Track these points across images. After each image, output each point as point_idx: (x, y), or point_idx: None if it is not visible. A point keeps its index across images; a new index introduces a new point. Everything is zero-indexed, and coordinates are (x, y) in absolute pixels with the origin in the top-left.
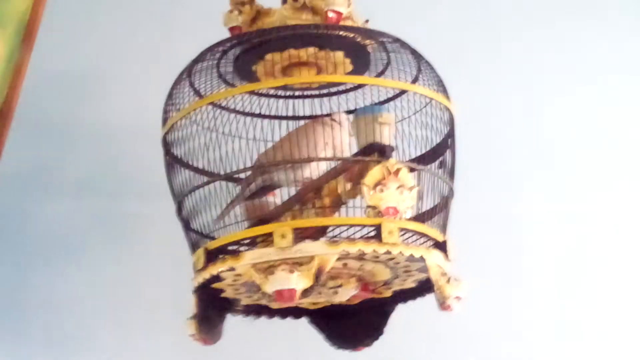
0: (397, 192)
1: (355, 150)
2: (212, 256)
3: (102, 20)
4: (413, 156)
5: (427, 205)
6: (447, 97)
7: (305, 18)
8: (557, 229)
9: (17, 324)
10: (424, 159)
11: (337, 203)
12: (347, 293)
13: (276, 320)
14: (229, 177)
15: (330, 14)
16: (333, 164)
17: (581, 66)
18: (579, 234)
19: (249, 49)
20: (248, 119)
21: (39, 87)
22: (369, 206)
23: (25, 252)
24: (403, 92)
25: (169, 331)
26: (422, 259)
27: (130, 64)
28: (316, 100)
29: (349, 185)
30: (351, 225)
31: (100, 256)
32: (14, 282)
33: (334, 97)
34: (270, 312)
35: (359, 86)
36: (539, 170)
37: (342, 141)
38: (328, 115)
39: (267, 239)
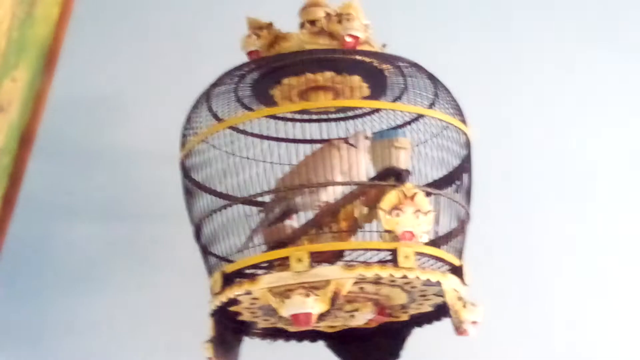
0: (414, 217)
1: (372, 173)
2: (229, 280)
3: (122, 44)
4: (430, 179)
5: (443, 229)
6: (464, 121)
7: (323, 43)
8: (576, 252)
9: (38, 348)
10: (440, 183)
11: (354, 227)
12: (363, 317)
13: (293, 343)
14: (247, 201)
15: (348, 39)
16: (350, 188)
17: (602, 88)
18: (598, 256)
19: (266, 73)
20: (266, 142)
21: (61, 111)
22: (385, 230)
23: (46, 276)
24: (420, 116)
25: (189, 354)
26: (438, 283)
27: (151, 88)
28: (333, 124)
29: (365, 210)
30: (367, 250)
31: (121, 280)
32: (36, 306)
33: (351, 121)
34: (286, 336)
35: (376, 110)
36: (557, 193)
37: (359, 164)
38: (344, 139)
39: (283, 263)
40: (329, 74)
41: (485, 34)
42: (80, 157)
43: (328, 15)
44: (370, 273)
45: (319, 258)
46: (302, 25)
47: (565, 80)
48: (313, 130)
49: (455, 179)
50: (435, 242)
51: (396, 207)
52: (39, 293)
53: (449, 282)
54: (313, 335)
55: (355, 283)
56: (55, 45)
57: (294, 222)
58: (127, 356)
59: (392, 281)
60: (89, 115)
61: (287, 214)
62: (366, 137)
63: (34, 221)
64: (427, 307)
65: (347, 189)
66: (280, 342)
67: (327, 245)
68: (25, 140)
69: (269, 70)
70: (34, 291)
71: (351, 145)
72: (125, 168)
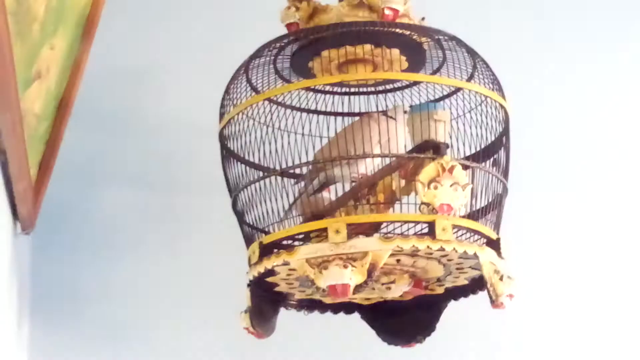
0: (451, 190)
1: (410, 146)
2: (267, 250)
3: (161, 15)
4: (467, 154)
5: (480, 202)
6: (502, 95)
7: (362, 15)
8: (611, 228)
9: (72, 313)
10: (478, 157)
11: (391, 199)
12: (399, 289)
13: (328, 315)
14: (285, 172)
15: (387, 12)
16: (387, 161)
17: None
18: (634, 231)
19: (305, 46)
20: (304, 114)
21: (98, 80)
22: (422, 203)
23: (81, 242)
24: (458, 89)
25: (223, 324)
26: (475, 256)
27: (188, 58)
28: (371, 96)
29: (403, 182)
30: (405, 222)
31: (156, 247)
32: (70, 271)
33: (390, 94)
34: (323, 307)
35: (415, 83)
36: (593, 168)
37: (398, 136)
38: (383, 111)
39: (321, 234)
40: (367, 47)
41: (521, 12)
42: (116, 125)
43: None
44: (407, 245)
45: (356, 230)
46: None
47: (602, 55)
48: (351, 103)
49: (492, 153)
50: (472, 215)
51: (434, 180)
52: (74, 258)
53: (486, 255)
54: (349, 307)
55: (392, 255)
56: (94, 14)
57: (332, 194)
58: (160, 321)
59: (429, 254)
60: (125, 84)
61: (325, 185)
62: (405, 110)
63: (69, 187)
64: (462, 280)
65: (385, 162)
66: (316, 314)
67: (365, 217)
68: (62, 107)
69: (308, 43)
70: (69, 256)
71: (390, 117)
72: (160, 137)
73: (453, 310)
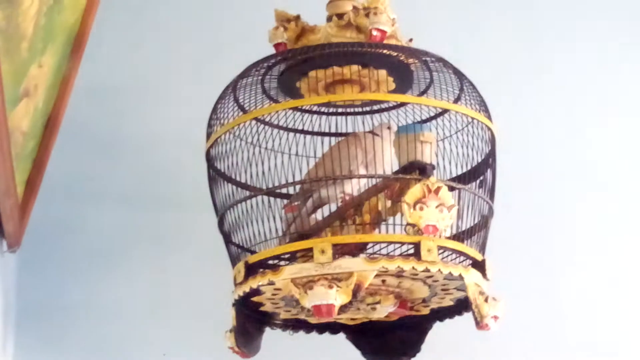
0: (437, 211)
1: (396, 167)
2: (252, 270)
3: (148, 33)
4: (454, 174)
5: (466, 224)
6: (489, 116)
7: (350, 36)
8: (598, 249)
9: (58, 331)
10: (464, 178)
11: (377, 220)
12: (385, 310)
13: (314, 335)
14: (271, 192)
15: (375, 32)
16: (374, 181)
17: (627, 86)
18: (621, 254)
19: (293, 66)
20: (291, 134)
21: (86, 97)
22: (408, 224)
23: (67, 260)
24: (445, 111)
25: (208, 343)
26: (460, 277)
27: (175, 77)
28: (359, 117)
29: (389, 203)
30: (390, 243)
31: (142, 266)
32: (57, 289)
33: (377, 115)
34: (308, 327)
35: (402, 104)
36: (580, 190)
37: (383, 155)
38: (370, 131)
39: (306, 254)
40: (355, 68)
41: (510, 33)
42: (104, 143)
43: (355, 8)
44: (392, 266)
45: (342, 250)
46: (329, 19)
47: (590, 74)
48: (338, 123)
49: (479, 174)
50: (458, 237)
51: (420, 201)
52: (60, 276)
53: (471, 277)
54: (334, 327)
55: (377, 276)
56: (82, 32)
57: (318, 214)
58: (146, 340)
59: (414, 274)
60: (113, 102)
61: (311, 205)
62: (389, 128)
63: (56, 205)
64: (448, 302)
65: (371, 182)
66: (301, 334)
67: (351, 237)
68: (50, 125)
69: (296, 63)
70: (55, 274)
71: (375, 134)
72: (147, 155)
73: (438, 331)
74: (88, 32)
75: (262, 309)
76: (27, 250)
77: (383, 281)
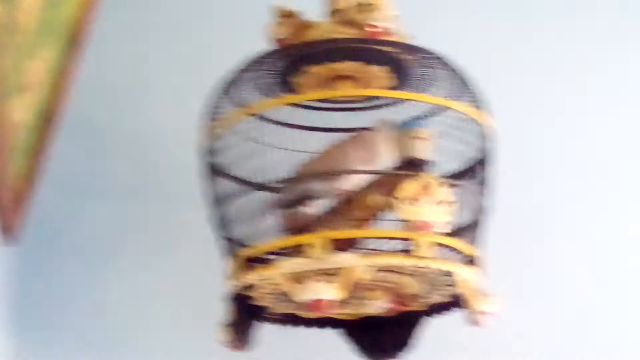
0: (432, 207)
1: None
2: (246, 265)
3: (147, 29)
4: (450, 171)
5: (461, 220)
6: (487, 114)
7: (349, 32)
8: (596, 248)
9: (57, 326)
10: (460, 175)
11: (372, 215)
12: (378, 305)
13: (308, 331)
14: (265, 187)
15: (367, 28)
16: (369, 177)
17: (627, 86)
18: (618, 254)
19: (291, 61)
20: (287, 129)
21: (85, 92)
22: (403, 220)
23: (66, 256)
24: (443, 107)
25: (202, 337)
26: (454, 273)
27: (175, 72)
28: (356, 113)
29: (384, 199)
30: (384, 238)
31: (138, 260)
32: (55, 285)
33: (373, 111)
34: (301, 322)
35: (399, 101)
36: (579, 188)
37: (381, 152)
38: (368, 128)
39: (300, 249)
40: (353, 64)
41: (509, 32)
42: (103, 138)
43: (355, 4)
44: (385, 261)
45: (336, 245)
46: (328, 14)
47: (590, 72)
48: (336, 120)
49: (475, 170)
50: (452, 233)
51: (415, 197)
52: (58, 272)
53: (464, 273)
54: (327, 322)
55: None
56: (82, 28)
57: (312, 209)
58: (142, 335)
59: (407, 270)
60: (112, 97)
61: (304, 199)
62: (386, 124)
63: (55, 200)
64: (441, 298)
65: (366, 178)
66: (293, 328)
67: (345, 232)
68: (49, 119)
69: (294, 58)
70: (53, 270)
71: (372, 131)
72: (146, 150)
73: (432, 327)
74: (87, 27)
75: (255, 303)
76: (25, 245)
77: (377, 276)
